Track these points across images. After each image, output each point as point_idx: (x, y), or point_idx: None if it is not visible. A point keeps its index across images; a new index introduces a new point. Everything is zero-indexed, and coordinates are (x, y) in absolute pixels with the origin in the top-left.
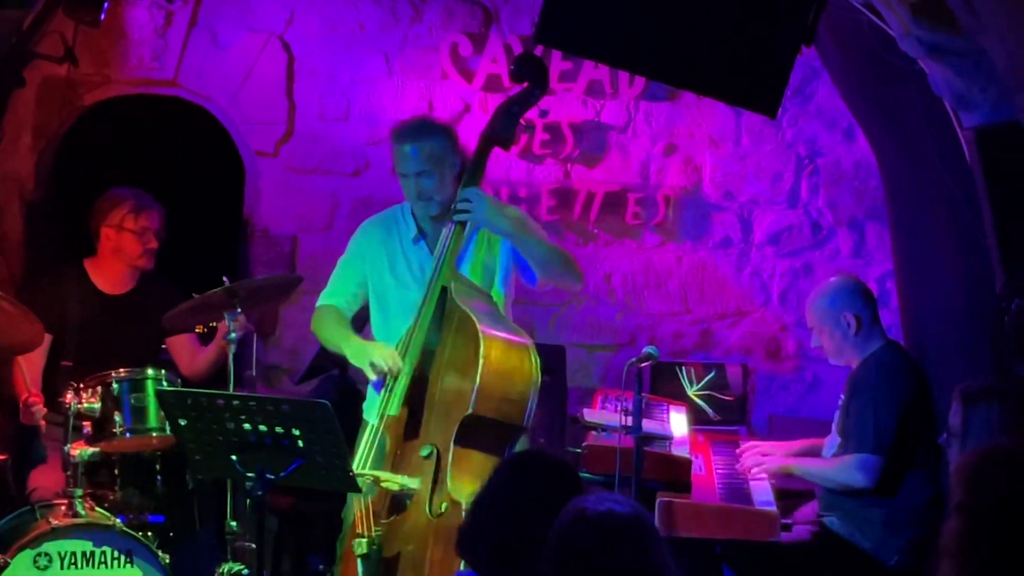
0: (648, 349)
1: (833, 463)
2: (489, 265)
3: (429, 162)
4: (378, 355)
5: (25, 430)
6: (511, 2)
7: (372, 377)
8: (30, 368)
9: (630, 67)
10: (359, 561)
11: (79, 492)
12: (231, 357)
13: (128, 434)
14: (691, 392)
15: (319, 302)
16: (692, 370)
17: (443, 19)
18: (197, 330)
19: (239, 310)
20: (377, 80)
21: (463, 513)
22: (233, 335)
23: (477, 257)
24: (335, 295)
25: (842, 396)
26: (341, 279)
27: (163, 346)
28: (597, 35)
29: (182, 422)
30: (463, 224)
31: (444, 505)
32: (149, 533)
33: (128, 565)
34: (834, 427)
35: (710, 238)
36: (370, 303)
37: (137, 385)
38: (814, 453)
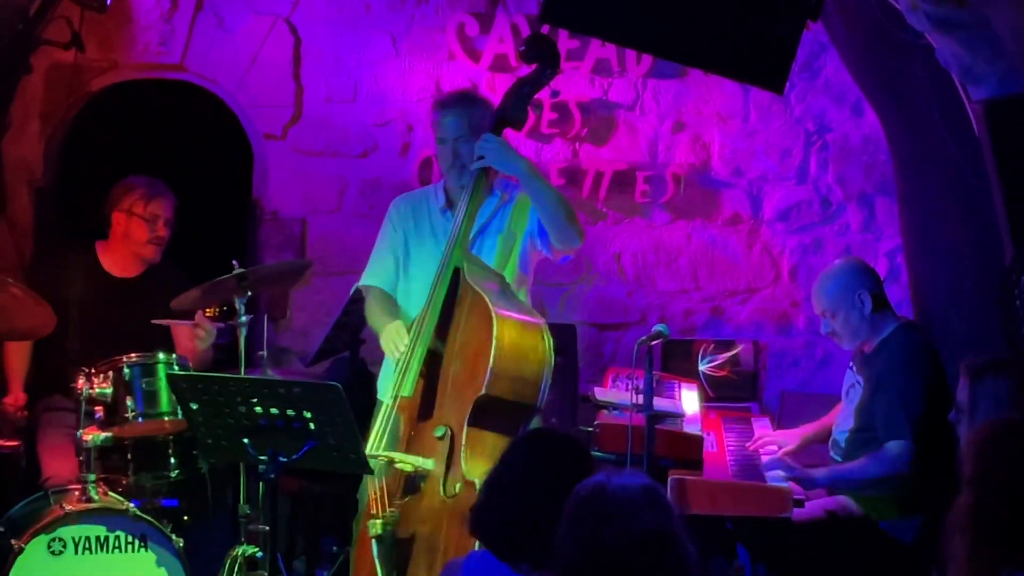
0: (658, 327)
1: (864, 462)
2: (508, 243)
3: (469, 129)
4: (384, 337)
5: (35, 416)
6: None
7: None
8: (19, 361)
9: (636, 45)
10: (374, 542)
11: (92, 477)
12: (242, 340)
13: (140, 419)
14: (702, 369)
15: (361, 281)
16: (703, 347)
17: None
18: (207, 314)
19: (249, 294)
20: (384, 61)
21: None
22: (243, 318)
23: (496, 235)
24: (375, 274)
25: (856, 376)
26: (379, 255)
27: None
28: (603, 13)
29: (194, 406)
30: (483, 176)
31: (458, 485)
32: (163, 518)
33: (142, 549)
34: (844, 403)
35: (719, 215)
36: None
37: (148, 369)
38: (824, 437)
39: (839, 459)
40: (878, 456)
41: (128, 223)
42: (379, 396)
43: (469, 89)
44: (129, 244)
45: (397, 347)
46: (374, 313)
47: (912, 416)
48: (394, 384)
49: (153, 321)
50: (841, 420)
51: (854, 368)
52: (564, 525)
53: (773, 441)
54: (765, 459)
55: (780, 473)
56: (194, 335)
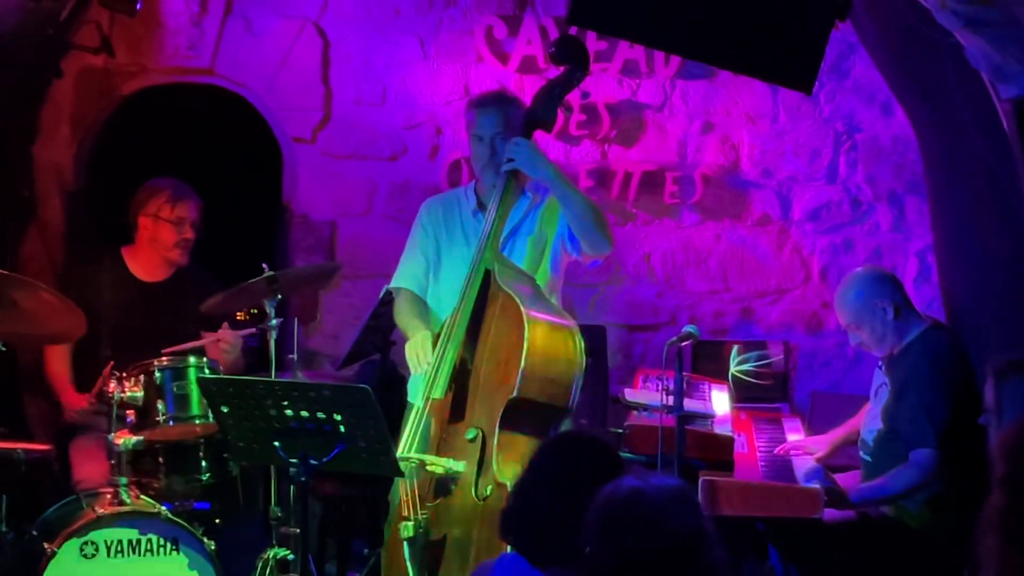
0: (688, 328)
1: (892, 476)
2: (539, 244)
3: (505, 127)
4: (409, 348)
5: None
6: None
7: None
8: (62, 363)
9: (664, 46)
10: (405, 544)
11: (124, 480)
12: (272, 343)
13: (171, 422)
14: (733, 370)
15: (392, 283)
16: (733, 348)
17: (477, 2)
18: (238, 317)
19: (279, 297)
20: (412, 64)
21: None
22: (273, 321)
23: (527, 237)
24: (405, 276)
25: (883, 376)
26: (409, 257)
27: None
28: (630, 15)
29: (224, 409)
30: (513, 178)
31: (490, 488)
32: (195, 521)
33: (174, 552)
34: (872, 403)
35: (749, 216)
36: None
37: (179, 373)
38: (854, 439)
39: (868, 459)
40: (905, 469)
41: (155, 227)
42: (410, 399)
43: (504, 89)
44: (156, 247)
45: (420, 362)
46: (403, 316)
47: (937, 424)
48: (425, 386)
49: (165, 351)
50: (869, 420)
51: (882, 368)
52: (599, 531)
53: (803, 447)
54: (803, 470)
55: (817, 486)
56: (218, 348)
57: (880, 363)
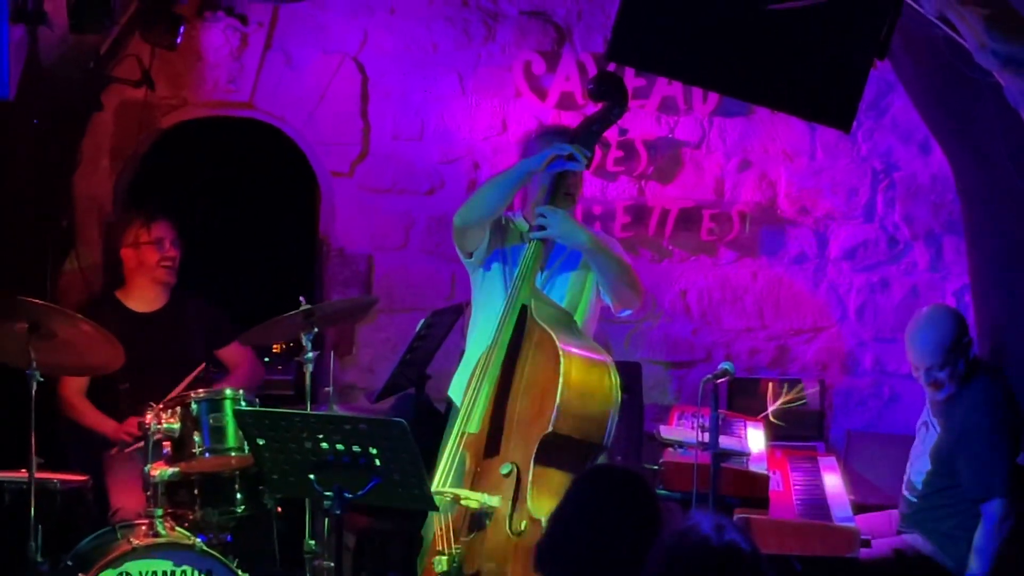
0: (724, 365)
1: (986, 539)
2: (579, 282)
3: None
4: None
5: (101, 450)
6: (583, 20)
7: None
8: (81, 396)
9: (703, 83)
10: None
11: (159, 512)
12: (308, 376)
13: (207, 454)
14: (769, 408)
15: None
16: (769, 386)
17: (516, 37)
18: (274, 349)
19: (315, 330)
20: (450, 99)
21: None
22: (310, 355)
23: (569, 273)
24: None
25: (931, 417)
26: None
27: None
28: (669, 51)
29: (260, 442)
30: (541, 241)
31: (524, 523)
32: (229, 553)
33: None
34: (919, 446)
35: (786, 253)
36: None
37: (216, 405)
38: None
39: (914, 500)
40: (986, 527)
41: (138, 254)
42: (450, 393)
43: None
44: (144, 272)
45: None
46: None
47: (1003, 473)
48: (460, 421)
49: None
50: (915, 459)
51: (930, 409)
52: (661, 561)
53: None
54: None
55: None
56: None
57: (928, 403)
